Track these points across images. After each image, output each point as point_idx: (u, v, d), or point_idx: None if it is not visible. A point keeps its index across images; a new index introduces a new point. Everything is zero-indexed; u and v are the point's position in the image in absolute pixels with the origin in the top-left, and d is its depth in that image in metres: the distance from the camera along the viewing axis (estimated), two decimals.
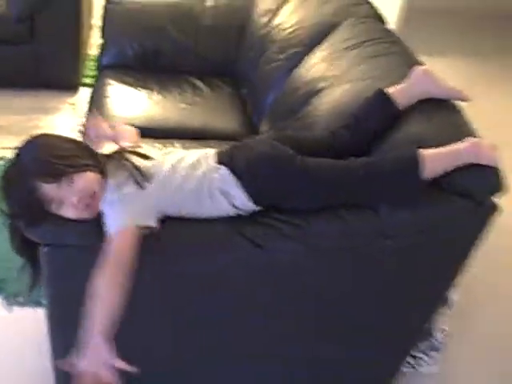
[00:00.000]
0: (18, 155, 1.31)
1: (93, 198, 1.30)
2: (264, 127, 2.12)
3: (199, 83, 2.51)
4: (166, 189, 1.34)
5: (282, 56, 2.21)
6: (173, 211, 1.34)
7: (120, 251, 1.22)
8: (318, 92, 1.82)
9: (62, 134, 1.40)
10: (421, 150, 1.34)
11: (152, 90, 2.41)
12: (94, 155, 1.37)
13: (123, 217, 1.25)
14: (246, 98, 2.44)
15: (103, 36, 2.64)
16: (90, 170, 1.32)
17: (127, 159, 1.37)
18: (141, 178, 1.32)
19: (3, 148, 2.66)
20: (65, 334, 1.46)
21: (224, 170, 1.39)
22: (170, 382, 1.65)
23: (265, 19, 2.45)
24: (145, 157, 1.40)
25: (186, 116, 2.26)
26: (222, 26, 2.63)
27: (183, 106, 2.32)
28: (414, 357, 1.83)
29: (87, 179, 1.30)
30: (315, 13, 2.23)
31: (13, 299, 1.97)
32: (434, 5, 5.13)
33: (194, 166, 1.40)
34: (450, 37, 4.98)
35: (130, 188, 1.31)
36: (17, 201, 1.28)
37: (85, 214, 1.30)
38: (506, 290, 2.34)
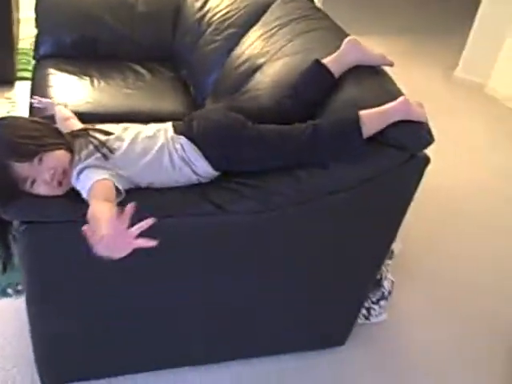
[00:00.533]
0: None
1: (65, 173, 1.39)
2: (209, 105, 2.23)
3: (140, 69, 2.59)
4: (127, 160, 1.45)
5: (219, 37, 2.32)
6: (136, 181, 1.45)
7: (98, 189, 1.31)
8: (258, 67, 1.96)
9: (27, 116, 1.48)
10: (359, 111, 1.50)
11: (93, 77, 2.47)
12: (60, 134, 1.46)
13: (94, 175, 1.34)
14: (186, 80, 2.54)
15: (38, 26, 2.65)
16: (59, 149, 1.41)
17: (92, 135, 1.46)
18: (106, 150, 1.43)
19: None
20: (46, 312, 1.53)
21: (184, 139, 1.50)
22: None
23: (198, 3, 2.56)
24: (106, 133, 1.50)
25: (132, 101, 2.33)
26: (156, 13, 2.71)
27: (128, 91, 2.40)
28: (367, 308, 2.01)
29: (57, 157, 1.39)
30: None
31: None
32: None
33: (152, 138, 1.51)
34: (364, 17, 5.27)
35: (96, 158, 1.41)
36: None
37: (57, 191, 1.39)
38: (439, 243, 2.58)
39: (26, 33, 3.79)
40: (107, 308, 1.57)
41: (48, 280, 1.47)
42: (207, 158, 1.48)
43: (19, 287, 2.02)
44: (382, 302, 2.01)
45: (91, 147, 1.42)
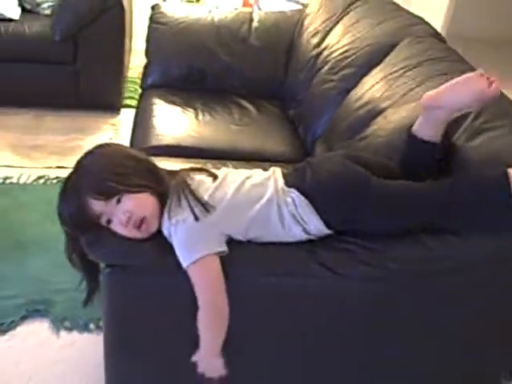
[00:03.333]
0: (79, 164, 1.30)
1: (143, 220, 1.24)
2: (319, 148, 2.06)
3: (247, 104, 2.46)
4: (231, 214, 1.27)
5: (335, 77, 2.15)
6: (239, 235, 1.28)
7: (210, 285, 1.20)
8: (381, 111, 1.75)
9: (128, 148, 1.36)
10: (508, 168, 1.25)
11: (198, 109, 2.36)
12: (155, 175, 1.31)
13: (196, 247, 1.20)
14: (294, 120, 2.38)
15: (147, 55, 2.61)
16: (144, 192, 1.27)
17: (188, 188, 1.28)
18: (201, 209, 1.24)
19: (45, 167, 2.64)
20: (123, 358, 1.40)
21: (295, 193, 1.31)
22: None
23: (315, 40, 2.41)
24: (212, 174, 1.34)
25: (237, 137, 2.19)
26: (269, 47, 2.59)
27: (234, 127, 2.26)
28: None
29: (137, 201, 1.25)
30: (368, 34, 2.16)
31: (60, 323, 1.90)
32: (469, 33, 5.05)
33: (259, 188, 1.33)
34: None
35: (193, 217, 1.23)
36: (68, 211, 1.26)
37: (135, 234, 1.25)
38: None
39: (136, 62, 3.83)
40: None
41: (127, 325, 1.34)
42: (321, 215, 1.27)
43: (101, 323, 1.90)
44: None
45: (184, 202, 1.25)
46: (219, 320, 1.23)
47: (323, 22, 2.42)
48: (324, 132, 2.08)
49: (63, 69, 3.08)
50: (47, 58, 3.05)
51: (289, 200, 1.29)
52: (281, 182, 1.34)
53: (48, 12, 3.22)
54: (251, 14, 2.67)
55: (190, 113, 2.34)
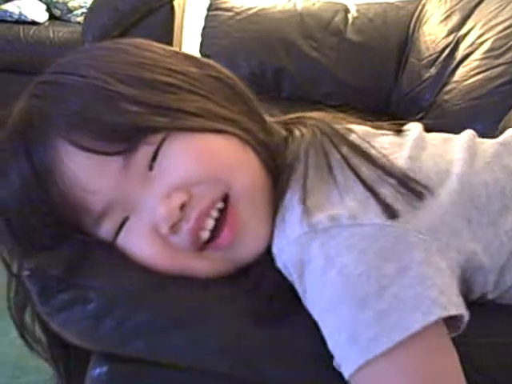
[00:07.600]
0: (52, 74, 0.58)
1: (227, 206, 0.53)
2: None
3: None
4: (471, 210, 0.53)
5: (500, 60, 1.40)
6: (489, 275, 0.52)
7: None
8: None
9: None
10: None
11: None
12: (247, 104, 0.61)
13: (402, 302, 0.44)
14: None
15: (202, 51, 1.92)
16: (223, 132, 0.55)
17: (349, 142, 0.58)
18: (401, 190, 0.51)
19: None
20: None
21: None
22: None
23: (450, 24, 1.67)
24: (379, 127, 0.66)
25: None
26: (372, 44, 1.86)
27: None
28: None
29: (206, 155, 0.53)
30: None
31: None
32: None
33: None
34: None
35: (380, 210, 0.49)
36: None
37: (192, 260, 0.52)
38: None
39: None
40: None
41: None
42: None
43: None
44: None
45: (346, 174, 0.52)
46: None
47: (457, 3, 1.69)
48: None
49: None
50: None
51: None
52: None
53: (81, 19, 2.61)
54: (346, 4, 1.97)
55: None
